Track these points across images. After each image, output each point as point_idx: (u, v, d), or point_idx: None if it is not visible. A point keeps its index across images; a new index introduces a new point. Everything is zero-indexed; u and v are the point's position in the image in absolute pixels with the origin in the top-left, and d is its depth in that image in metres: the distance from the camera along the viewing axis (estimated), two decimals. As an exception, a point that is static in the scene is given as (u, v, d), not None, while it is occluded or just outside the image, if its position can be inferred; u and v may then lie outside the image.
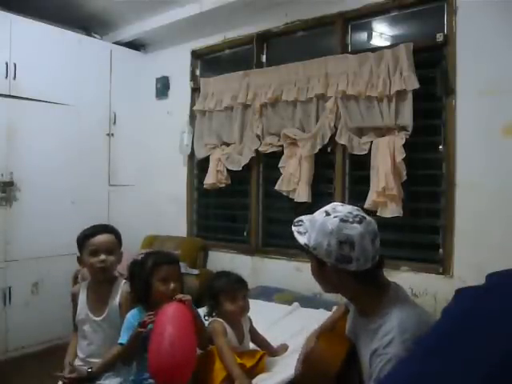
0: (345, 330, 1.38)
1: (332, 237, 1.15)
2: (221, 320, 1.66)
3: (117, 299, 1.71)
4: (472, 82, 2.28)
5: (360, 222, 1.16)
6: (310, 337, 1.49)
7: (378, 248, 1.18)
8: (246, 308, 1.72)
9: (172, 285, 1.57)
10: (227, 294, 1.68)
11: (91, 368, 1.60)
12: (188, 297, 1.53)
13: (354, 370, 1.29)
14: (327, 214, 1.20)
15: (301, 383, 1.42)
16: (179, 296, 1.51)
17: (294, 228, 1.27)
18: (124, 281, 1.77)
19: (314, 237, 1.19)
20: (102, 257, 1.68)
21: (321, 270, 1.22)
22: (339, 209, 1.21)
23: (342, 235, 1.14)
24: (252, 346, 1.81)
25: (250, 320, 1.80)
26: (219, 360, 1.56)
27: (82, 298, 1.77)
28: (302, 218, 1.30)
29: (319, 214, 1.22)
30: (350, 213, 1.19)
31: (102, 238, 1.71)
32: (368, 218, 1.20)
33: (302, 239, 1.24)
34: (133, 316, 1.60)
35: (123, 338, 1.55)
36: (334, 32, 2.81)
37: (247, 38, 3.20)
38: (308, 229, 1.23)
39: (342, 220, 1.16)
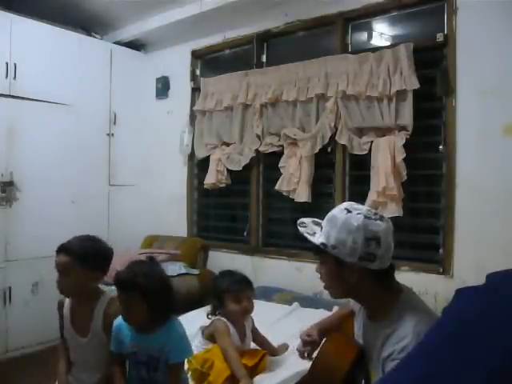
0: (352, 331, 1.35)
1: (358, 233, 1.10)
2: (224, 319, 1.66)
3: (99, 321, 1.56)
4: (472, 82, 2.28)
5: (381, 220, 1.13)
6: (311, 328, 1.42)
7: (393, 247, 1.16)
8: (249, 309, 1.72)
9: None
10: (231, 294, 1.67)
11: None
12: None
13: (360, 375, 1.27)
14: (348, 211, 1.14)
15: (306, 383, 1.40)
16: None
17: (301, 229, 1.22)
18: (110, 299, 1.59)
19: (335, 235, 1.12)
20: (58, 277, 1.56)
21: (338, 271, 1.15)
22: (358, 206, 1.17)
23: (368, 231, 1.10)
24: (253, 345, 1.81)
25: (252, 320, 1.80)
26: (222, 359, 1.56)
27: (66, 314, 1.64)
28: (304, 220, 1.26)
29: (339, 212, 1.15)
30: (370, 210, 1.16)
31: (56, 259, 1.56)
32: (385, 216, 1.18)
33: (316, 239, 1.17)
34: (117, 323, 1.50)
35: (112, 345, 1.49)
36: (334, 32, 2.81)
37: (247, 38, 3.20)
38: (323, 227, 1.17)
39: (366, 217, 1.11)
